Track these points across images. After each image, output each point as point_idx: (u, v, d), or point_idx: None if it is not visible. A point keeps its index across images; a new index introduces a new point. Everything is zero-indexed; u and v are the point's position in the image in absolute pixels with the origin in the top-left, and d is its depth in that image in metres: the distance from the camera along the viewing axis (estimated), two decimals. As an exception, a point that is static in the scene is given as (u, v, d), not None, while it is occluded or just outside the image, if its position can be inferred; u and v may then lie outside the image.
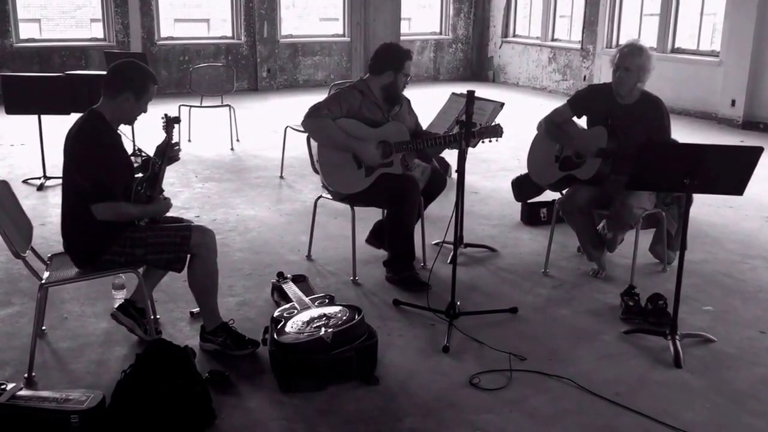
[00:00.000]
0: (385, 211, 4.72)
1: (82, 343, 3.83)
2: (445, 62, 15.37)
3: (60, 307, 4.22)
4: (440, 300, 4.23)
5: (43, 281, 3.54)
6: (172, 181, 7.16)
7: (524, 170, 5.23)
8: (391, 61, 4.52)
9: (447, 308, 4.06)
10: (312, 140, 4.58)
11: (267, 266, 4.95)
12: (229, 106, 8.78)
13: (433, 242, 5.27)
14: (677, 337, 3.79)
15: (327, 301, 3.93)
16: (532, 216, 5.85)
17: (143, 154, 3.79)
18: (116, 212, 3.44)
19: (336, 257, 5.09)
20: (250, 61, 13.42)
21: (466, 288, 4.56)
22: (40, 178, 6.99)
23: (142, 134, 7.51)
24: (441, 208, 5.21)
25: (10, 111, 6.98)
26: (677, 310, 3.82)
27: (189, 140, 8.91)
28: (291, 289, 4.16)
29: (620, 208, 4.44)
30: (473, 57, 15.56)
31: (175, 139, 3.85)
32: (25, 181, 7.04)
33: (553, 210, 4.87)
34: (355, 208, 4.67)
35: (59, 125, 7.18)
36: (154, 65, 12.63)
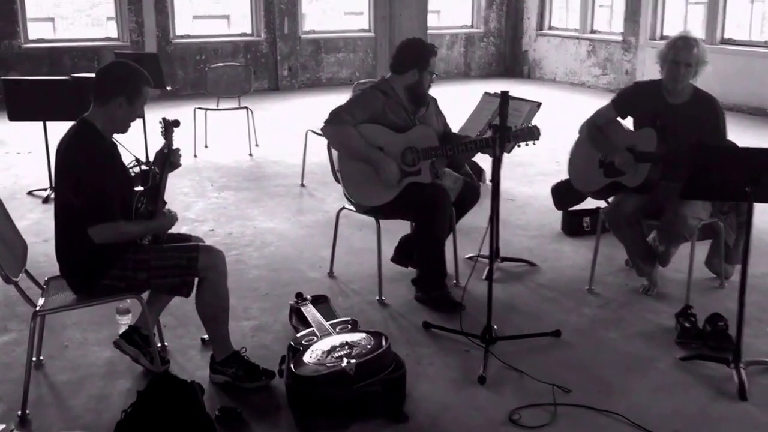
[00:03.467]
0: (413, 224, 4.49)
1: (82, 375, 3.66)
2: (476, 57, 15.12)
3: (61, 333, 4.05)
4: (475, 322, 4.01)
5: (38, 308, 3.37)
6: (186, 190, 7.02)
7: (565, 175, 4.98)
8: (414, 59, 4.30)
9: (482, 332, 3.83)
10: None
11: (285, 285, 4.75)
12: (246, 108, 8.62)
13: (467, 256, 5.05)
14: (741, 365, 3.53)
15: (350, 326, 3.71)
16: (574, 226, 5.59)
17: (142, 164, 3.61)
18: (116, 233, 3.26)
19: (360, 274, 4.87)
20: (270, 59, 13.28)
21: (503, 308, 4.33)
22: (45, 190, 6.87)
23: (140, 142, 7.58)
24: (474, 217, 4.96)
25: (13, 117, 6.83)
26: (741, 333, 3.55)
27: (206, 146, 8.78)
28: (310, 312, 3.95)
29: (673, 218, 4.18)
30: (506, 51, 15.28)
31: (175, 144, 3.66)
32: (30, 193, 6.92)
33: (598, 219, 4.62)
34: (380, 221, 4.46)
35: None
36: (169, 65, 12.55)
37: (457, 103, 7.27)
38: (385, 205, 4.31)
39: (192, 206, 6.51)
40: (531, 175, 7.32)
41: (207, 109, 8.66)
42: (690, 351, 3.81)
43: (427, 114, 4.44)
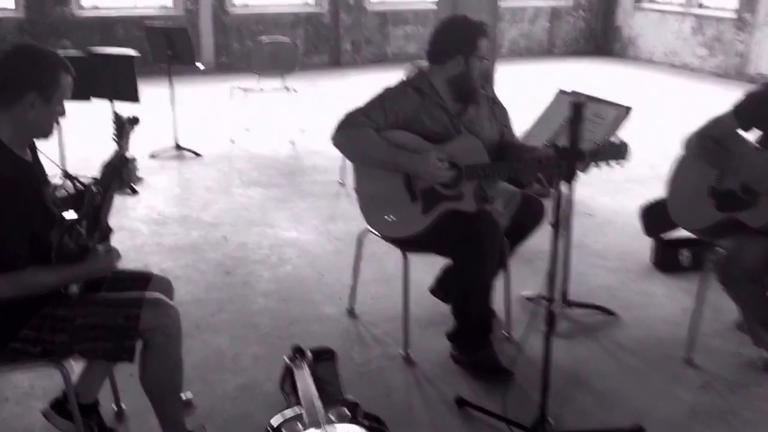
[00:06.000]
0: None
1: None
2: (562, 33, 13.86)
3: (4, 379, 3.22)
4: (526, 401, 3.06)
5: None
6: (209, 184, 6.19)
7: (660, 186, 3.84)
8: (458, 42, 3.31)
9: (534, 426, 2.84)
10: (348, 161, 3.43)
11: (292, 323, 3.85)
12: (288, 89, 7.73)
13: (524, 294, 4.05)
14: None
15: (347, 411, 2.78)
16: (668, 259, 4.47)
17: (75, 180, 2.72)
18: (17, 287, 2.38)
19: (388, 312, 3.92)
20: (332, 32, 12.38)
21: (566, 380, 3.33)
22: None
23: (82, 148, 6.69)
24: (540, 235, 3.86)
25: None
26: None
27: (246, 129, 7.96)
28: (304, 381, 3.02)
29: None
30: (597, 27, 13.96)
31: (129, 153, 2.75)
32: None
33: (703, 256, 3.53)
34: (409, 254, 3.49)
35: (78, 113, 6.40)
36: (225, 36, 11.81)
37: (537, 86, 6.16)
38: (413, 237, 3.35)
39: (210, 205, 5.67)
40: (616, 183, 6.14)
41: (246, 90, 7.81)
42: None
43: (476, 116, 3.43)
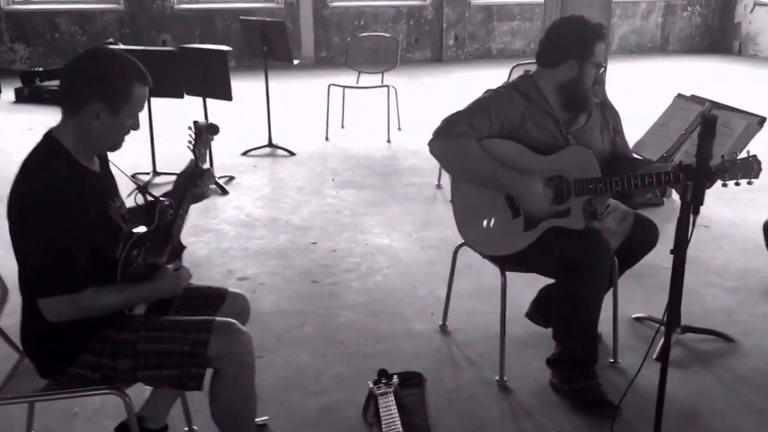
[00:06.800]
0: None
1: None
2: (676, 29, 13.20)
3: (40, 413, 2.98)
4: (635, 439, 2.72)
5: (-12, 394, 2.42)
6: (301, 184, 6.04)
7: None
8: (572, 45, 2.99)
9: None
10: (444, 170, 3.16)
11: (380, 341, 3.62)
12: (387, 86, 7.51)
13: (634, 316, 3.71)
14: None
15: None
16: (796, 281, 4.05)
17: (147, 193, 2.54)
18: (76, 308, 2.21)
19: (483, 331, 3.65)
20: (435, 27, 12.14)
21: (678, 417, 2.99)
22: (148, 174, 6.12)
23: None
24: (655, 250, 3.50)
25: None
26: None
27: (342, 126, 7.80)
28: (388, 410, 2.81)
29: None
30: (714, 23, 13.26)
31: (206, 164, 2.58)
32: (133, 176, 6.19)
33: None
34: (508, 273, 3.21)
35: (173, 110, 6.36)
36: (325, 31, 11.71)
37: (648, 86, 5.74)
38: (514, 256, 3.06)
39: (301, 207, 5.51)
40: (735, 191, 5.61)
41: (344, 87, 7.63)
42: None
43: (587, 127, 3.11)
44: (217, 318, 2.40)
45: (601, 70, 3.06)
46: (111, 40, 10.07)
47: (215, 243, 4.82)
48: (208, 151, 2.62)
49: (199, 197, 2.57)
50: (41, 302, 2.19)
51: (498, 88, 3.13)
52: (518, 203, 2.98)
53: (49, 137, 2.28)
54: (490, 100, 3.06)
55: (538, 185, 2.92)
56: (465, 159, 3.00)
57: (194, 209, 5.44)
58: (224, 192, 5.79)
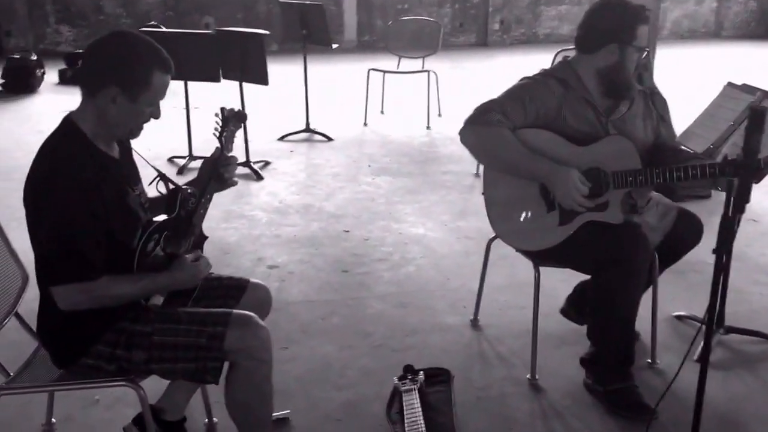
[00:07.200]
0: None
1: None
2: (731, 14, 12.80)
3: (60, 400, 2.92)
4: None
5: (3, 384, 2.38)
6: (337, 170, 5.96)
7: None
8: (613, 29, 2.83)
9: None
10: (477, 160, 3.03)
11: (409, 334, 3.53)
12: (428, 71, 7.37)
13: (674, 313, 3.55)
14: None
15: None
16: None
17: (168, 181, 2.46)
18: (89, 297, 2.15)
19: (516, 326, 3.53)
20: (481, 10, 11.96)
21: (718, 422, 2.84)
22: (185, 157, 6.09)
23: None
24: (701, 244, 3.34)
25: None
26: None
27: (382, 112, 7.70)
28: (412, 407, 2.71)
29: None
30: (771, 8, 12.80)
31: (232, 151, 2.50)
32: (170, 160, 6.18)
33: None
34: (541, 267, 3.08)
35: (209, 94, 6.29)
36: (368, 13, 11.60)
37: (700, 73, 5.53)
38: (548, 251, 2.93)
39: (335, 194, 5.42)
40: (788, 184, 5.43)
41: (383, 72, 7.51)
42: None
43: (628, 115, 2.96)
44: (235, 311, 2.32)
45: (644, 55, 2.90)
46: (153, 22, 10.10)
47: (247, 229, 4.76)
48: (235, 139, 2.54)
49: (223, 185, 2.49)
50: (54, 290, 2.14)
51: (534, 75, 2.99)
52: (553, 196, 2.85)
53: (68, 120, 2.22)
54: (525, 87, 2.92)
55: (575, 177, 2.78)
56: (497, 148, 2.87)
57: (227, 195, 5.41)
58: (259, 177, 5.73)
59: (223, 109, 2.49)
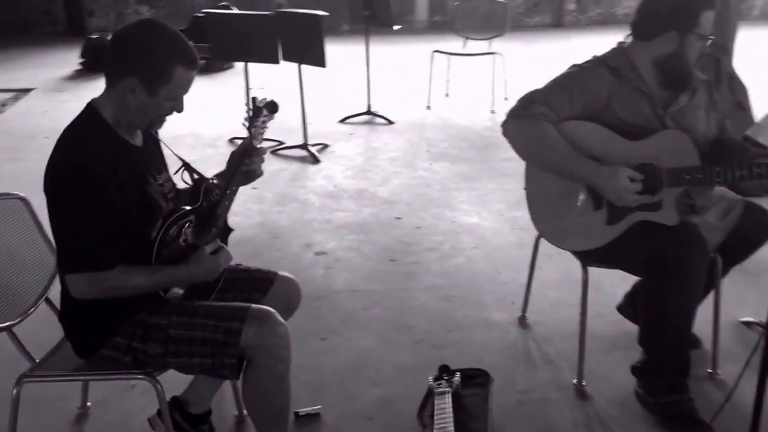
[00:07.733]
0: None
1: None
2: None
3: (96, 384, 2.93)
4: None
5: (27, 371, 2.36)
6: (394, 155, 5.84)
7: None
8: (674, 14, 2.62)
9: None
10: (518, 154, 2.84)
11: (453, 329, 3.40)
12: (493, 53, 7.16)
13: (742, 320, 3.33)
14: None
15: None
16: None
17: (194, 171, 2.38)
18: (102, 286, 2.09)
19: (566, 326, 3.34)
20: (556, -10, 11.58)
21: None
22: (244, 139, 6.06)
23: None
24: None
25: (215, 55, 6.25)
26: None
27: (446, 95, 7.54)
28: (443, 411, 2.58)
29: None
30: None
31: (260, 143, 2.39)
32: (231, 140, 6.17)
33: None
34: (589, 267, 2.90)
35: (267, 76, 6.18)
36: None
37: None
38: (595, 251, 2.75)
39: (390, 179, 5.31)
40: None
41: (449, 54, 7.33)
42: None
43: (689, 107, 2.74)
44: (253, 305, 2.24)
45: (708, 42, 2.68)
46: (225, 3, 10.10)
47: (299, 214, 4.69)
48: (266, 129, 2.43)
49: (250, 177, 2.39)
50: (68, 278, 2.10)
51: (584, 62, 2.78)
52: (601, 194, 2.67)
53: (90, 107, 2.17)
54: (572, 76, 2.73)
55: (623, 177, 2.57)
56: (538, 146, 2.69)
57: (283, 178, 5.36)
58: (315, 161, 5.65)
59: (254, 99, 2.39)
